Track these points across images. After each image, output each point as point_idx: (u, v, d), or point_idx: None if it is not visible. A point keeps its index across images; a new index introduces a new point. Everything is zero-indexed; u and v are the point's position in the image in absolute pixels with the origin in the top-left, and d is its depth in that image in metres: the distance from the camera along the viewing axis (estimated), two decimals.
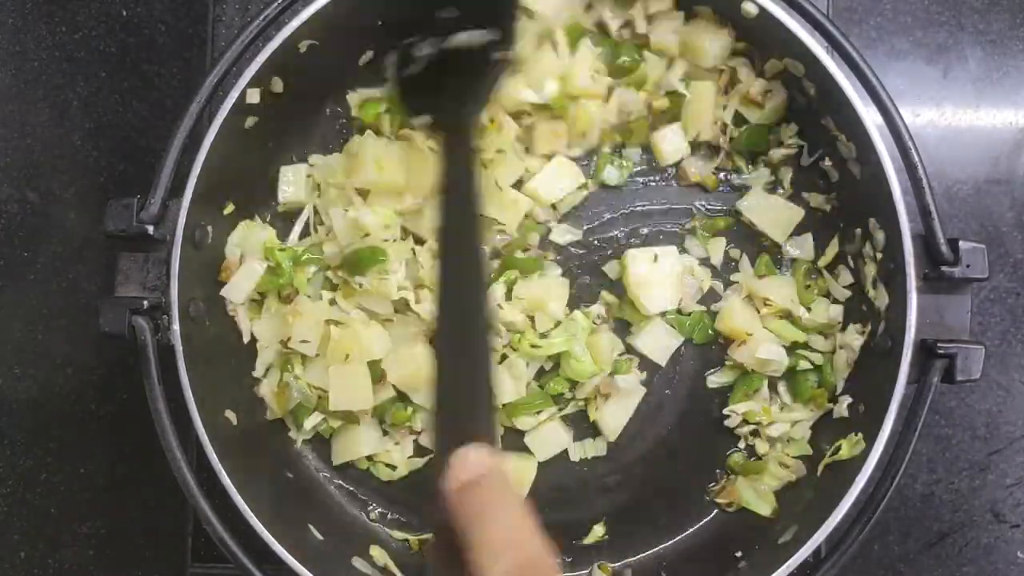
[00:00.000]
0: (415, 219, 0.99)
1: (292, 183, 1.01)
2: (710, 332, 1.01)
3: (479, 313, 0.57)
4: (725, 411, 0.99)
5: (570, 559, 1.01)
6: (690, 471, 1.02)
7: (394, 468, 1.02)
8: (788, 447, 0.99)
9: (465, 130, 0.75)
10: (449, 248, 0.62)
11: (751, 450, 1.01)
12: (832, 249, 0.99)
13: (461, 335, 0.55)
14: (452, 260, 0.59)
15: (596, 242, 1.03)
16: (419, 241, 1.00)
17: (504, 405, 0.99)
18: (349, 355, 0.94)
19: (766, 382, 0.99)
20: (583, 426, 1.02)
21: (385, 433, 1.01)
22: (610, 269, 1.02)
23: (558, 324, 1.00)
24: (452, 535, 0.47)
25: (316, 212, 1.02)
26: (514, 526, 0.47)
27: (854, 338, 0.95)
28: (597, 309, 1.01)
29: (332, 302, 0.99)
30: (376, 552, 0.99)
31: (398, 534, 1.02)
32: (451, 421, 0.52)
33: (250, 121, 0.93)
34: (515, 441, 1.01)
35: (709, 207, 1.03)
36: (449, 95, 0.80)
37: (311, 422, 0.99)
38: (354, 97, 1.02)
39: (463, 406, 0.52)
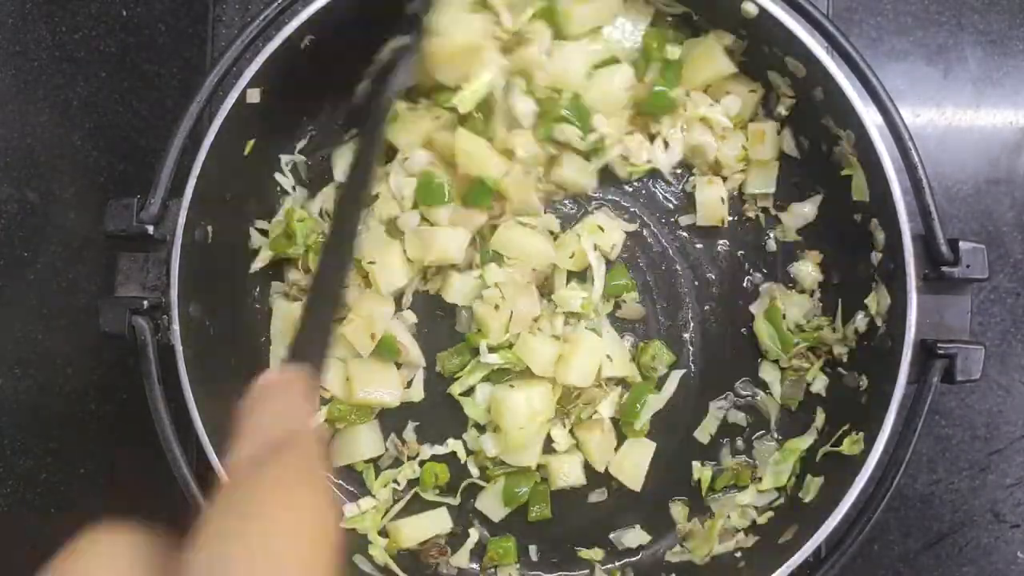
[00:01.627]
0: None
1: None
2: None
3: (342, 271, 0.71)
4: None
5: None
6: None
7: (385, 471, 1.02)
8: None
9: (375, 117, 0.84)
10: (342, 215, 0.78)
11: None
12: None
13: (327, 286, 0.67)
14: (340, 226, 0.75)
15: None
16: None
17: None
18: (374, 334, 0.96)
19: None
20: None
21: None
22: None
23: None
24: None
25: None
26: (278, 419, 0.48)
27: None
28: None
29: None
30: (376, 551, 0.98)
31: None
32: (299, 345, 0.59)
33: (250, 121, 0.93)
34: None
35: None
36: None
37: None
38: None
39: (311, 336, 0.60)
